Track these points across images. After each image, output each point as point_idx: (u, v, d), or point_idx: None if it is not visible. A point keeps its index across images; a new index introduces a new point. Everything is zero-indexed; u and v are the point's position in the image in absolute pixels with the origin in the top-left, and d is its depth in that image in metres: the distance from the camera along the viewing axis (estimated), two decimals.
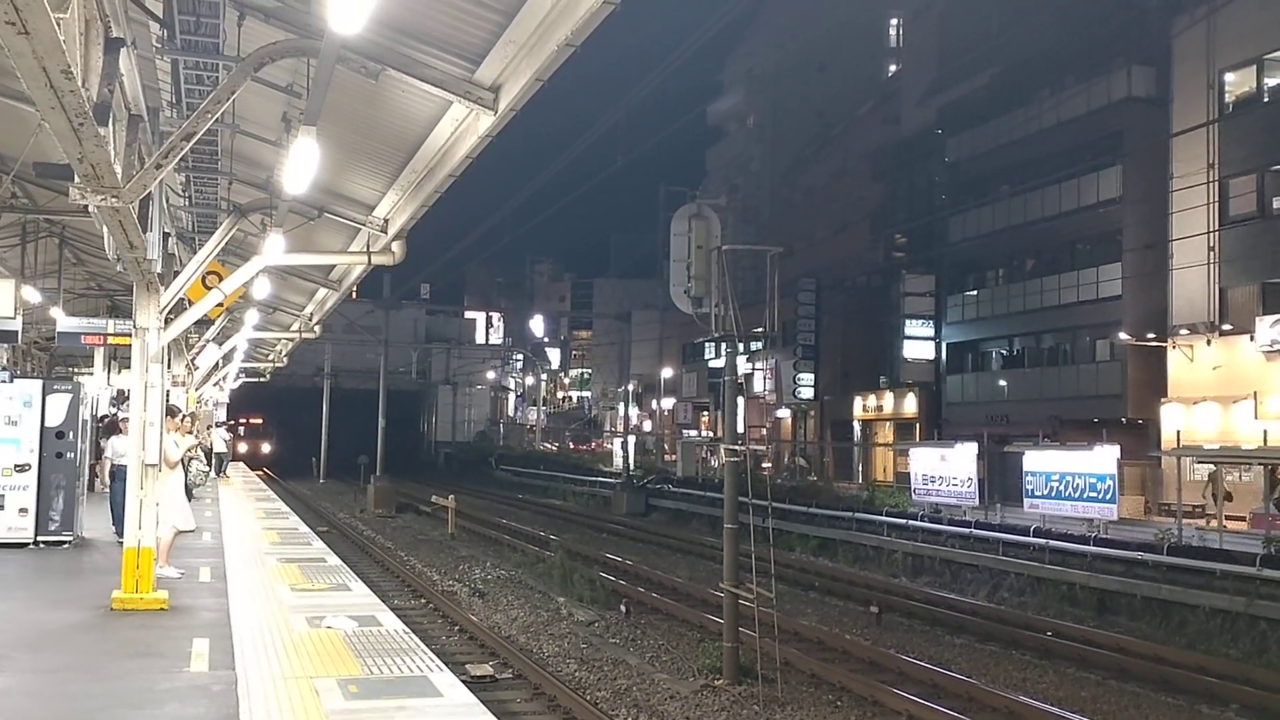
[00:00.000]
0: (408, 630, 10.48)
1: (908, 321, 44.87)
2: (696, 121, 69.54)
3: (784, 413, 53.90)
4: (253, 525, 20.31)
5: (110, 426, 20.69)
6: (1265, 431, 26.31)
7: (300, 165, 9.45)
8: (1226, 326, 30.13)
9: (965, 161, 43.51)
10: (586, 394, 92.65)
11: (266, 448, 64.39)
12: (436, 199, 12.19)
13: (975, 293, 43.22)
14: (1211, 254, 30.33)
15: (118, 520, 14.77)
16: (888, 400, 46.91)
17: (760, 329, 16.26)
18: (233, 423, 50.86)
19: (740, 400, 24.90)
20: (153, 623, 10.27)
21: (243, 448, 57.25)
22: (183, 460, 13.56)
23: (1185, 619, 18.00)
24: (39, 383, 15.88)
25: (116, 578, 11.03)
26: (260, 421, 64.41)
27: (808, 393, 49.40)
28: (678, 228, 15.50)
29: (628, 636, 17.05)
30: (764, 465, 35.25)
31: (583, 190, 39.00)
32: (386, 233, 13.93)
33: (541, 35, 7.77)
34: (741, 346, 16.07)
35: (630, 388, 56.14)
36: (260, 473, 48.81)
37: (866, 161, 53.94)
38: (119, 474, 14.74)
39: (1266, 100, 29.89)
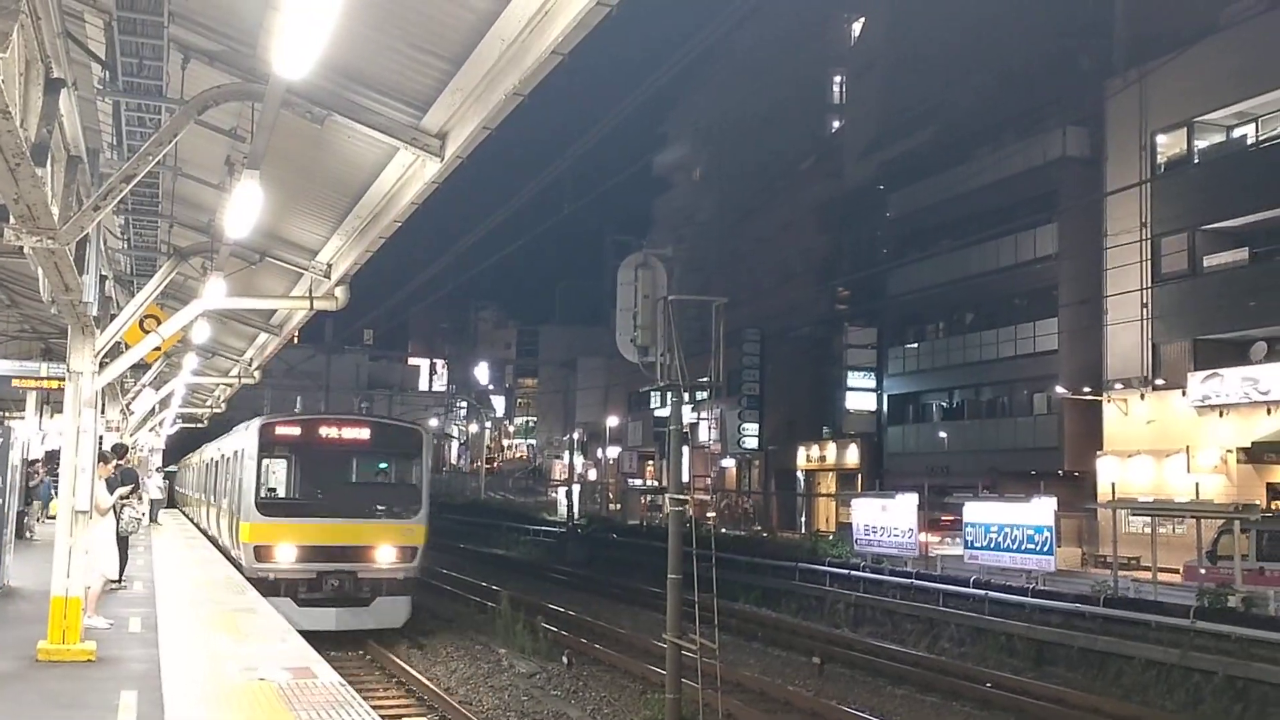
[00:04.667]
0: (344, 683, 10.27)
1: (850, 373, 45.35)
2: (643, 171, 69.93)
3: (729, 462, 54.01)
4: (187, 574, 19.86)
5: None
6: (1197, 485, 26.82)
7: (243, 209, 9.38)
8: (1159, 381, 30.78)
9: (906, 216, 44.23)
10: (532, 442, 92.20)
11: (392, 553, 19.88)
12: (381, 245, 12.15)
13: (916, 345, 43.78)
14: (1145, 310, 31.03)
15: None
16: (830, 450, 47.20)
17: (705, 379, 16.29)
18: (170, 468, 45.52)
19: (685, 449, 24.91)
20: (79, 674, 9.99)
21: (285, 544, 19.28)
22: (114, 507, 13.27)
23: (1121, 670, 18.18)
24: None
25: (43, 627, 10.72)
26: (368, 436, 21.10)
27: (752, 442, 49.57)
28: (624, 277, 15.51)
29: (569, 688, 16.86)
30: (709, 515, 35.20)
31: (529, 237, 38.88)
32: (330, 278, 13.83)
33: (489, 84, 7.79)
34: (687, 396, 16.09)
35: (576, 436, 55.95)
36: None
37: (810, 215, 54.60)
38: None
39: (1197, 161, 30.78)
